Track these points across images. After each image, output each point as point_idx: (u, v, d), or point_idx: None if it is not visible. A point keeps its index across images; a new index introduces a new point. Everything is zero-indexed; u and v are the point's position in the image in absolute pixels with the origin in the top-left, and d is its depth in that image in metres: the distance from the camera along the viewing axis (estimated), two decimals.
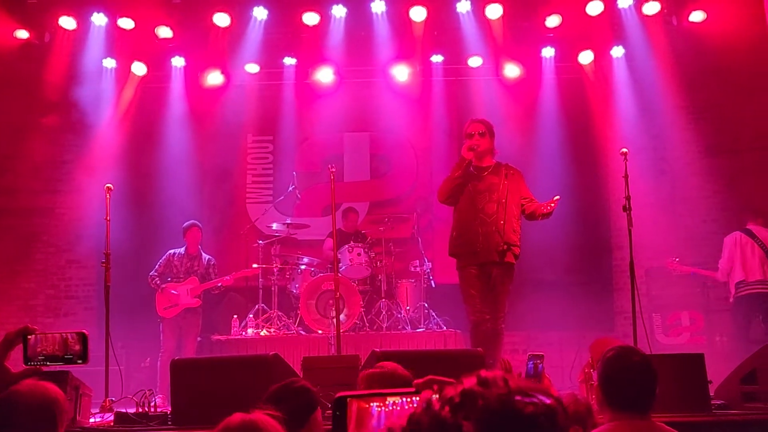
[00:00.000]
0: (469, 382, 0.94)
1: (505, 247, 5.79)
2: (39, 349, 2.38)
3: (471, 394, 0.92)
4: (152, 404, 4.99)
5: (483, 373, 0.96)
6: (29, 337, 2.39)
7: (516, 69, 9.22)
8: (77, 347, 2.37)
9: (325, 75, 9.29)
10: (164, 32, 8.75)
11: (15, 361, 2.61)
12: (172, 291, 7.75)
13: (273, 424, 1.95)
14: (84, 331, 2.40)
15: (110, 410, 5.31)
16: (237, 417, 1.94)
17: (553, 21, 8.73)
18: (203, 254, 8.02)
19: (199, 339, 8.03)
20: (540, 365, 3.89)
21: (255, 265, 8.31)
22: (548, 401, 0.92)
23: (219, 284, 7.85)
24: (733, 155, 9.08)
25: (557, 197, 5.78)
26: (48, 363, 2.39)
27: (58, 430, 2.34)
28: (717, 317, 8.61)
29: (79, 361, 2.39)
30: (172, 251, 7.96)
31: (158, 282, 7.79)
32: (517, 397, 0.91)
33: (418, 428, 0.92)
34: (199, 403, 4.37)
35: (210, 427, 1.96)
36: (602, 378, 2.67)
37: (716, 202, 9.03)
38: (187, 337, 7.76)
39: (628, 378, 2.62)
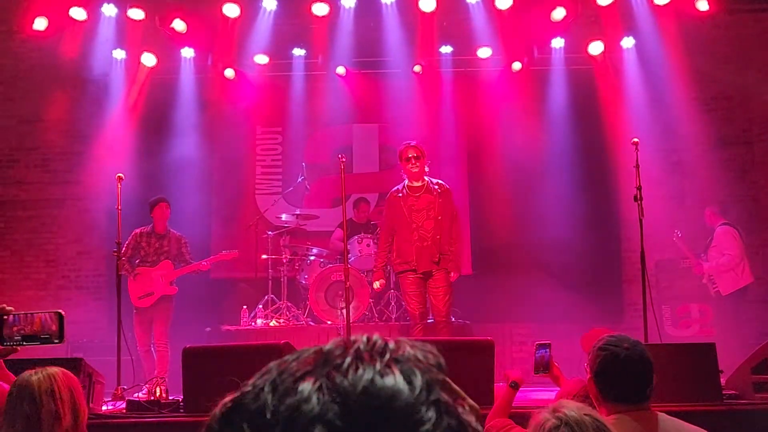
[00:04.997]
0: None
1: (439, 257, 6.50)
2: (15, 329, 2.38)
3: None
4: (163, 392, 5.02)
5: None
6: (5, 317, 2.39)
7: (525, 60, 9.19)
8: (53, 327, 2.37)
9: (334, 66, 9.28)
10: (174, 24, 8.76)
11: None
12: (145, 277, 7.21)
13: None
14: (60, 310, 2.40)
15: (122, 398, 5.35)
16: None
17: (559, 13, 8.68)
18: (172, 232, 7.47)
19: (208, 329, 8.06)
20: (547, 354, 3.89)
21: (264, 256, 8.33)
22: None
23: (195, 270, 7.32)
24: (744, 146, 9.05)
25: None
26: (24, 343, 2.39)
27: (60, 411, 2.37)
28: (726, 308, 8.59)
29: (56, 341, 2.38)
30: (138, 230, 7.36)
31: (128, 267, 7.12)
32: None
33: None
34: (211, 391, 4.38)
35: None
36: (594, 371, 2.58)
37: (726, 193, 9.00)
38: (157, 322, 7.23)
39: (621, 368, 2.52)
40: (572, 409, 1.98)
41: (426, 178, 6.62)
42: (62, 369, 2.58)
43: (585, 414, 1.98)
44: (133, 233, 7.35)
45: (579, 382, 2.81)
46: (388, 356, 0.71)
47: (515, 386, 3.71)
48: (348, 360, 0.70)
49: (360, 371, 0.69)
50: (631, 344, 2.58)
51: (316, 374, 0.70)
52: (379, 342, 0.73)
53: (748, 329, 8.40)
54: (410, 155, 6.47)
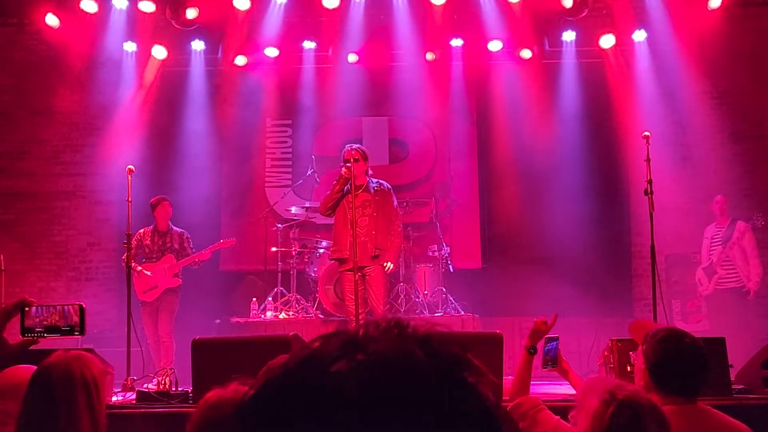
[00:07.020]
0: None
1: (377, 252, 6.87)
2: (38, 320, 2.40)
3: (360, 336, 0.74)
4: (172, 383, 5.05)
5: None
6: (27, 308, 2.41)
7: (536, 53, 9.15)
8: (75, 319, 2.39)
9: (343, 59, 9.27)
10: (184, 16, 8.76)
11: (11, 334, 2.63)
12: (147, 272, 7.33)
13: None
14: (82, 303, 2.41)
15: (132, 389, 5.39)
16: (214, 393, 1.96)
17: (567, 2, 8.64)
18: (174, 228, 7.61)
19: (217, 321, 8.10)
20: (555, 348, 3.86)
21: (274, 249, 8.35)
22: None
23: (197, 260, 7.46)
24: (756, 141, 8.98)
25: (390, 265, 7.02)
26: (46, 334, 2.41)
27: (91, 399, 2.34)
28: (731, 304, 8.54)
29: (77, 333, 2.40)
30: (141, 230, 7.47)
31: (132, 264, 7.12)
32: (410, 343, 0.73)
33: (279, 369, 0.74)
34: (220, 382, 4.40)
35: None
36: (651, 362, 2.61)
37: (738, 188, 8.94)
38: (161, 314, 7.37)
39: (680, 361, 2.57)
40: (629, 392, 2.04)
41: (368, 179, 7.12)
42: (82, 356, 2.49)
43: (642, 397, 2.03)
44: (136, 233, 7.38)
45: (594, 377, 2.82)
46: (414, 337, 0.74)
47: (534, 351, 3.63)
48: (375, 341, 0.73)
49: (388, 351, 0.71)
50: (692, 340, 2.64)
51: (347, 357, 0.72)
52: (403, 324, 0.75)
53: (757, 325, 8.36)
54: (349, 158, 6.95)
